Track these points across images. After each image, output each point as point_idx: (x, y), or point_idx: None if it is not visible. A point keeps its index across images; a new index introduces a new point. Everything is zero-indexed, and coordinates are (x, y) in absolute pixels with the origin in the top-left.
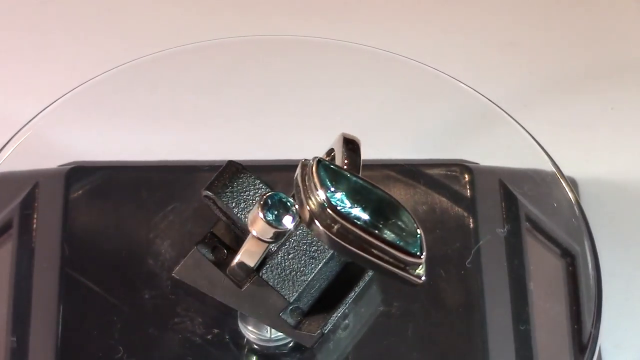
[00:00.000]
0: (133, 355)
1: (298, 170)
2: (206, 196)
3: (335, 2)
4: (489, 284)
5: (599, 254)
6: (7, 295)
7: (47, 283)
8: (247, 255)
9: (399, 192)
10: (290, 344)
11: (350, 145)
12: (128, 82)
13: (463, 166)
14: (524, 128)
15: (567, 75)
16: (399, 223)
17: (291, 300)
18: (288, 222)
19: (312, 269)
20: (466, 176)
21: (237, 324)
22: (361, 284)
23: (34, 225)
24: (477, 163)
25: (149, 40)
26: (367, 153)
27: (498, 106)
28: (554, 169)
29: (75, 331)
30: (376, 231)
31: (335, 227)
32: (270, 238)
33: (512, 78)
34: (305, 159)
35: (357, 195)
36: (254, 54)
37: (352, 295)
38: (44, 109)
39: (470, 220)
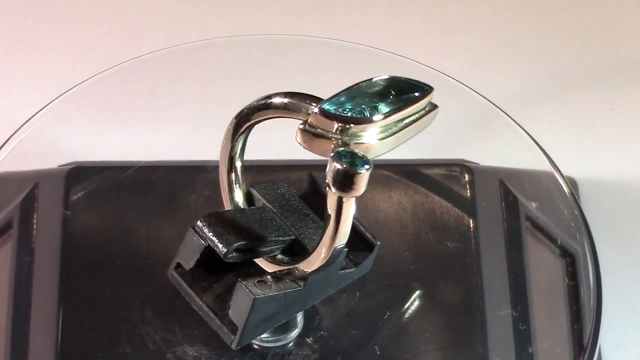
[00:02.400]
0: (133, 356)
1: (304, 137)
2: (232, 250)
3: (336, 2)
4: (489, 284)
5: (599, 254)
6: (7, 295)
7: (47, 283)
8: (345, 226)
9: (399, 192)
10: (290, 344)
11: (283, 96)
12: (128, 81)
13: (463, 166)
14: (522, 128)
15: (567, 75)
16: (398, 83)
17: (347, 248)
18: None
19: (313, 215)
20: (466, 176)
21: None
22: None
23: (34, 225)
24: (477, 163)
25: (149, 40)
26: None
27: (497, 107)
28: (552, 169)
29: (75, 331)
30: (403, 102)
31: (382, 133)
32: (364, 187)
33: (512, 78)
34: (301, 127)
35: (360, 101)
36: (254, 54)
37: None
38: (43, 107)
39: (470, 220)
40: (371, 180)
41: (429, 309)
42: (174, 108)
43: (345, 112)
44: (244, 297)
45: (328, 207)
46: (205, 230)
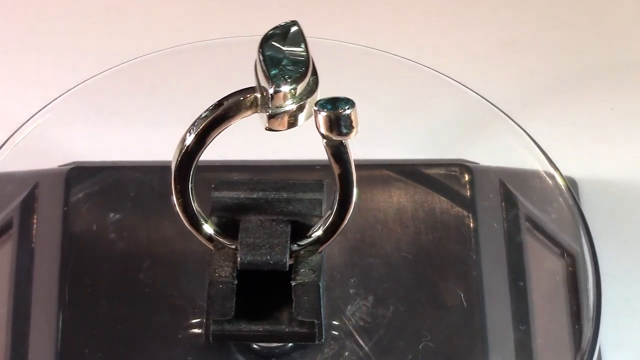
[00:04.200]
0: (133, 355)
1: (275, 122)
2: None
3: (335, 2)
4: (489, 284)
5: (599, 254)
6: (7, 295)
7: (47, 283)
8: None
9: (399, 192)
10: (290, 344)
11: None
12: (128, 82)
13: (463, 166)
14: (522, 129)
15: (567, 75)
16: (279, 30)
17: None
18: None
19: (270, 196)
20: (466, 176)
21: None
22: None
23: (34, 225)
24: (477, 163)
25: (149, 40)
26: (368, 153)
27: (496, 107)
28: (552, 169)
29: (75, 331)
30: (300, 41)
31: (312, 76)
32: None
33: (512, 78)
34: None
35: (280, 61)
36: (254, 54)
37: None
38: (44, 107)
39: (470, 220)
40: (371, 180)
41: (429, 308)
42: (174, 108)
43: (286, 78)
44: (309, 291)
45: (334, 160)
46: (257, 259)
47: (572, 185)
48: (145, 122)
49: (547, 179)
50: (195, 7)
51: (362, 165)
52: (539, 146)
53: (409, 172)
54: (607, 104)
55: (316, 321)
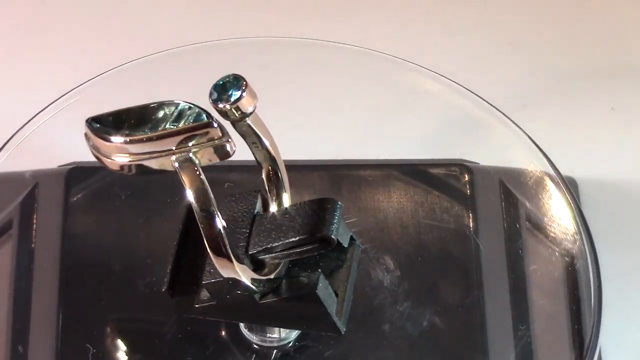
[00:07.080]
0: (133, 356)
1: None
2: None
3: (334, 3)
4: (489, 284)
5: (599, 254)
6: (7, 295)
7: (47, 283)
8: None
9: (399, 192)
10: (291, 344)
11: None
12: (128, 82)
13: (463, 166)
14: (522, 129)
15: (567, 75)
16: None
17: None
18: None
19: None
20: (466, 176)
21: (239, 327)
22: None
23: (34, 226)
24: (477, 163)
25: (149, 40)
26: (368, 153)
27: (496, 108)
28: (552, 169)
29: (75, 331)
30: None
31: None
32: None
33: (512, 78)
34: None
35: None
36: (254, 54)
37: None
38: (44, 109)
39: (470, 220)
40: (371, 180)
41: (429, 309)
42: None
43: (203, 116)
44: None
45: (255, 132)
46: (334, 228)
47: (572, 185)
48: None
49: (547, 179)
50: (196, 9)
51: (362, 166)
52: (538, 146)
53: (409, 172)
54: (607, 104)
55: (351, 235)
